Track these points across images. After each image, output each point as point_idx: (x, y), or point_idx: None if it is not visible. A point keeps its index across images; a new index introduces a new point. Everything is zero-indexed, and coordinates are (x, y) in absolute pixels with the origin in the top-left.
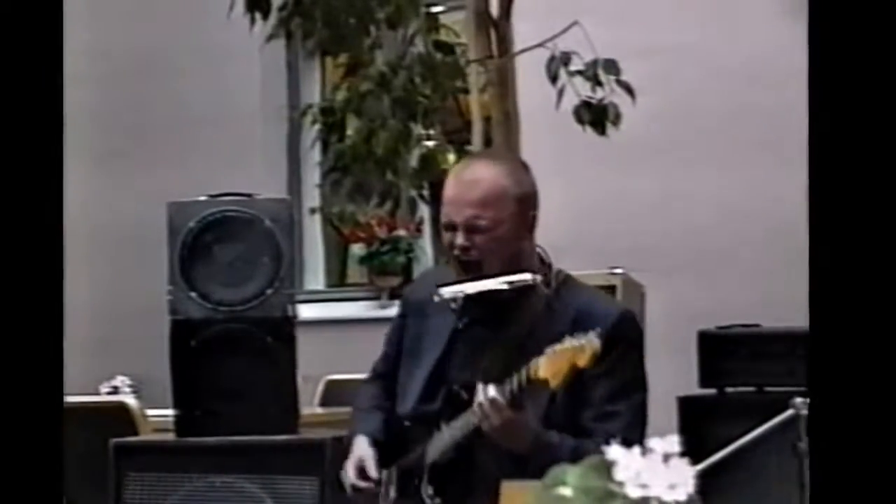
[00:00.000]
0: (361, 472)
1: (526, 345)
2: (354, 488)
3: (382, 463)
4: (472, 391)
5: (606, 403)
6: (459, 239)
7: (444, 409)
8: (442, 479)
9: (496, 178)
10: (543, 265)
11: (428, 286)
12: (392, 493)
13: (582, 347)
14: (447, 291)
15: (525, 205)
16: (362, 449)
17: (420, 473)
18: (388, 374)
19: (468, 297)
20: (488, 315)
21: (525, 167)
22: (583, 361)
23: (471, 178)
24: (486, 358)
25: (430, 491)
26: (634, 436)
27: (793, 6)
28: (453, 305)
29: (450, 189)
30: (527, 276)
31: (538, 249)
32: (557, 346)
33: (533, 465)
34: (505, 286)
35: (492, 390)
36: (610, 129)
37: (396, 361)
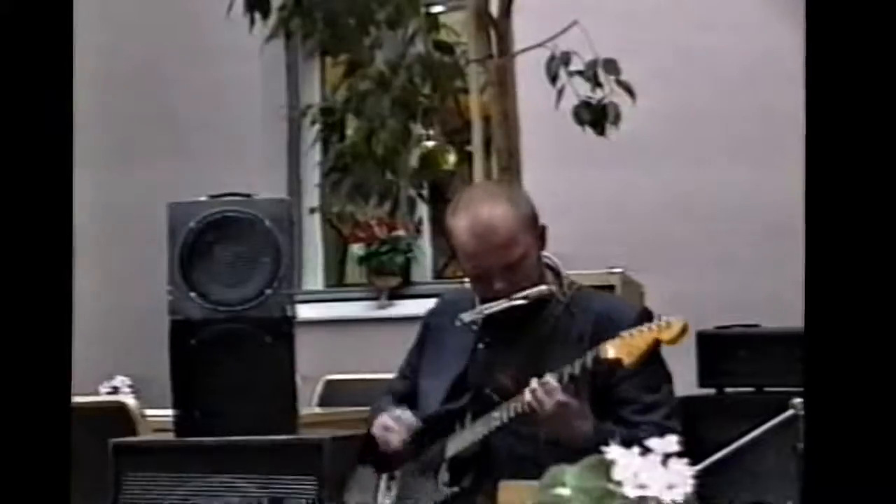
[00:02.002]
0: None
1: (549, 349)
2: (386, 428)
3: (395, 463)
4: (501, 393)
5: (644, 396)
6: (499, 284)
7: (469, 408)
8: (461, 471)
9: (506, 214)
10: (555, 275)
11: (448, 310)
12: (397, 488)
13: (669, 325)
14: (468, 315)
15: (535, 222)
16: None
17: (435, 468)
18: (403, 392)
19: (488, 317)
20: (510, 329)
21: (515, 186)
22: (668, 336)
23: (486, 226)
24: (511, 365)
25: (447, 478)
26: (675, 423)
27: (792, 6)
28: (475, 327)
29: (468, 243)
30: (543, 289)
31: (548, 259)
32: (633, 330)
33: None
34: (523, 301)
35: (547, 376)
36: (609, 128)
37: (413, 383)
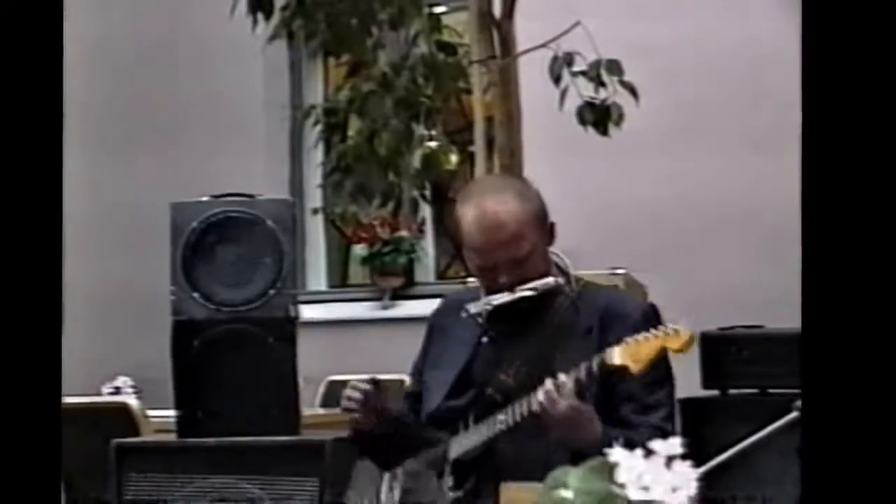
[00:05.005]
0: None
1: (556, 344)
2: (348, 398)
3: (396, 459)
4: (503, 393)
5: (646, 396)
6: (504, 278)
7: (471, 409)
8: (464, 474)
9: (514, 210)
10: (561, 271)
11: (453, 310)
12: (403, 485)
13: (677, 333)
14: (474, 306)
15: (544, 218)
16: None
17: (439, 468)
18: (414, 395)
19: (494, 309)
20: (515, 322)
21: (525, 181)
22: (675, 345)
23: (495, 221)
24: (516, 360)
25: (451, 483)
26: (671, 425)
27: (797, 6)
28: (480, 319)
29: (476, 237)
30: (550, 280)
31: (555, 256)
32: (638, 336)
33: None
34: (531, 293)
35: (561, 376)
36: (612, 128)
37: (420, 382)
